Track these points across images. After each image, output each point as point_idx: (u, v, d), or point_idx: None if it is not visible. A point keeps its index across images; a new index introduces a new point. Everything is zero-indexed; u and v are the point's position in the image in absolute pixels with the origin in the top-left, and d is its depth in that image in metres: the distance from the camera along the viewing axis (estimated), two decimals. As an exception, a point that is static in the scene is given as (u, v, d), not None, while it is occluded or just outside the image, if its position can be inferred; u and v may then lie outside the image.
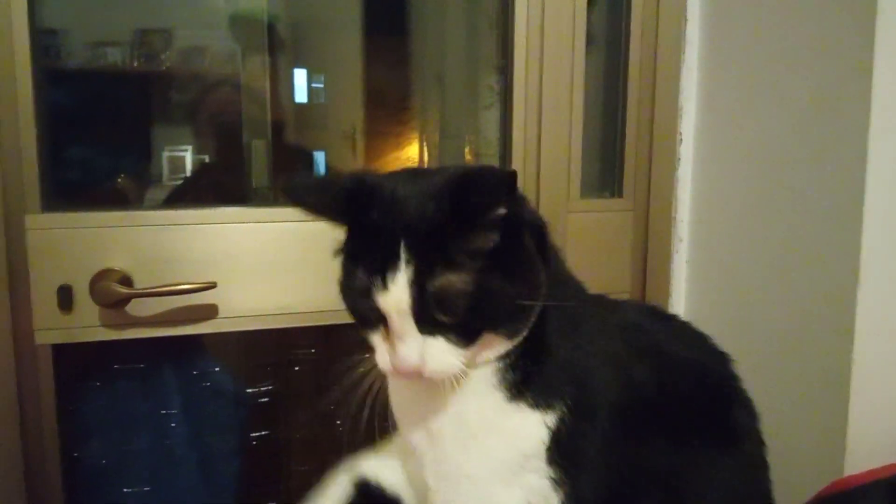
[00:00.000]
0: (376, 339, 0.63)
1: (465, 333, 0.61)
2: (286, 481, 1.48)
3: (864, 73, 0.93)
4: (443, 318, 0.59)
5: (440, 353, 0.60)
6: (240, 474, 1.39)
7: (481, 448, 0.66)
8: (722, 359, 0.79)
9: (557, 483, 0.65)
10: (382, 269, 0.59)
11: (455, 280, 0.58)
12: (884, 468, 0.90)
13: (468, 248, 0.59)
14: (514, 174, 0.59)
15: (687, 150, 1.30)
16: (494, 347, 0.64)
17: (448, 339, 0.60)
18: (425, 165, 2.05)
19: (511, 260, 0.61)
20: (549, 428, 0.64)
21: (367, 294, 0.60)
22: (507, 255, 0.60)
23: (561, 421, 0.64)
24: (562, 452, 0.64)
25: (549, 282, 0.65)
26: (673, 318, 0.83)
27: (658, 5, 1.28)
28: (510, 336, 0.63)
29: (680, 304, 1.34)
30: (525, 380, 0.65)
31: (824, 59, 1.01)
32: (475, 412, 0.65)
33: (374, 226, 0.61)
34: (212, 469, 1.31)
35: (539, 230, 0.67)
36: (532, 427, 0.64)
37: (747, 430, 0.76)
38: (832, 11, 0.99)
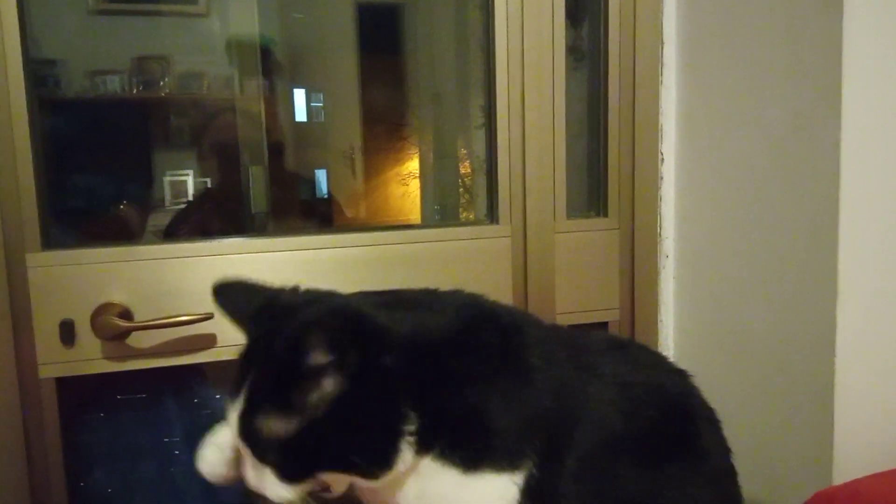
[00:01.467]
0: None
1: (288, 473, 0.62)
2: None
3: (834, 94, 0.96)
4: (262, 455, 0.61)
5: (270, 484, 0.62)
6: (243, 500, 1.41)
7: None
8: (680, 377, 0.81)
9: None
10: (232, 394, 0.63)
11: (276, 425, 0.60)
12: (867, 478, 0.92)
13: (299, 394, 0.60)
14: (337, 333, 0.60)
15: (669, 169, 1.33)
16: (367, 479, 0.63)
17: (276, 474, 0.62)
18: (422, 183, 2.07)
19: (353, 411, 0.61)
20: (517, 485, 0.65)
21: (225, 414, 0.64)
22: (351, 405, 0.61)
23: (530, 475, 0.65)
24: (534, 497, 0.65)
25: (482, 368, 0.67)
26: (630, 345, 0.85)
27: (635, 27, 1.30)
28: (366, 476, 0.62)
29: (669, 320, 1.36)
30: (475, 453, 0.64)
31: (797, 81, 1.03)
32: (435, 492, 0.66)
33: (245, 349, 0.66)
34: (215, 496, 1.33)
35: (438, 356, 0.66)
36: (500, 490, 0.65)
37: (711, 441, 0.78)
38: (803, 36, 1.02)
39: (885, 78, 0.96)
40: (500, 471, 0.64)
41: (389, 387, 0.62)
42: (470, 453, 0.64)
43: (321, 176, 2.10)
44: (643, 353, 0.83)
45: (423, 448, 0.63)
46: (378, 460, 0.61)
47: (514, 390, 0.67)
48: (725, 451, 0.80)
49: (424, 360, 0.65)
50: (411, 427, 0.62)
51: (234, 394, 0.63)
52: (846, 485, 0.91)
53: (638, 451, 0.70)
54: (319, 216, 2.05)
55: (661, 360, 0.82)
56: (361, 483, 0.64)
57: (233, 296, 0.73)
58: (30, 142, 1.07)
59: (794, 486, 1.06)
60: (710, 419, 0.79)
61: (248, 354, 0.65)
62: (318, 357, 0.60)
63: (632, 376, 0.76)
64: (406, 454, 0.62)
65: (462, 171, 1.90)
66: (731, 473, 0.81)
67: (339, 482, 0.65)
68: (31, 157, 1.07)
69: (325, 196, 2.08)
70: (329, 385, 0.60)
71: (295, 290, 0.71)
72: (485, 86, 1.33)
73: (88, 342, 1.10)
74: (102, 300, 1.10)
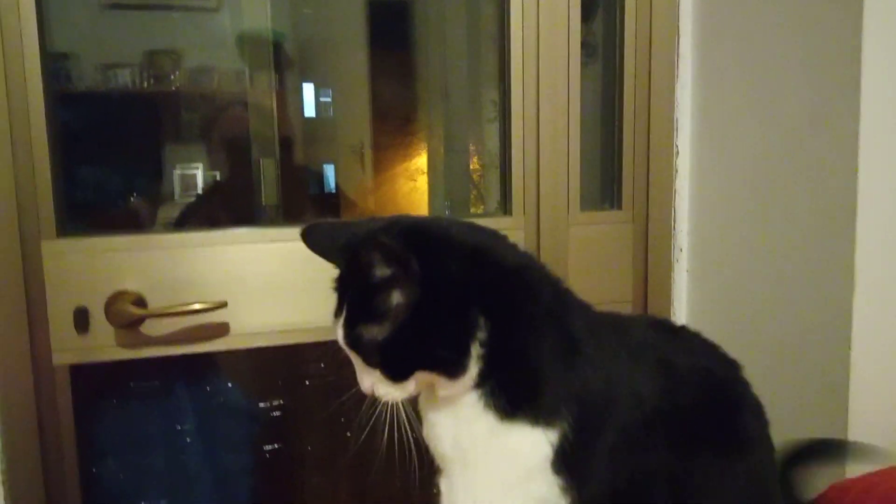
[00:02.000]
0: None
1: (392, 373, 0.69)
2: (299, 494, 1.51)
3: (853, 86, 0.95)
4: (368, 359, 0.69)
5: (380, 384, 0.70)
6: (254, 487, 1.42)
7: (482, 468, 0.69)
8: (731, 366, 0.81)
9: (565, 490, 0.67)
10: (336, 312, 0.71)
11: (371, 330, 0.67)
12: (881, 471, 0.92)
13: (380, 303, 0.66)
14: (388, 248, 0.65)
15: (684, 163, 1.33)
16: (450, 379, 0.68)
17: (381, 374, 0.69)
18: (431, 179, 2.07)
19: (429, 314, 0.66)
20: (551, 443, 0.66)
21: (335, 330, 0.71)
22: (426, 309, 0.66)
23: (564, 436, 0.66)
24: (568, 463, 0.66)
25: (538, 313, 0.70)
26: (682, 330, 0.84)
27: (651, 21, 1.31)
28: (448, 376, 0.68)
29: (682, 313, 1.36)
30: (515, 401, 0.67)
31: (814, 74, 1.03)
32: (468, 435, 0.70)
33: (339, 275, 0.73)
34: (226, 483, 1.34)
35: (504, 278, 0.71)
36: (534, 442, 0.67)
37: (756, 436, 0.77)
38: (821, 28, 1.01)
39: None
40: (535, 423, 0.67)
41: (458, 291, 0.67)
42: (511, 398, 0.67)
43: (330, 171, 2.10)
44: (696, 340, 0.82)
45: (482, 374, 0.67)
46: (455, 360, 0.67)
47: (562, 348, 0.70)
48: (769, 448, 0.79)
49: (490, 274, 0.70)
50: (482, 334, 0.67)
51: (336, 312, 0.71)
52: (861, 478, 0.91)
53: (676, 432, 0.70)
54: (328, 211, 2.06)
55: (713, 348, 0.81)
56: (444, 386, 0.69)
57: (319, 236, 0.78)
58: (46, 132, 1.08)
59: (811, 478, 1.06)
60: (756, 413, 0.78)
61: (341, 279, 0.73)
62: (381, 271, 0.65)
63: (678, 357, 0.76)
64: (475, 363, 0.67)
65: (471, 166, 1.90)
66: (772, 471, 0.80)
67: (436, 384, 0.70)
68: (47, 146, 1.08)
69: (334, 191, 2.09)
70: (400, 294, 0.66)
71: (372, 219, 0.75)
72: (499, 78, 1.33)
73: (102, 330, 1.10)
74: (116, 288, 1.11)
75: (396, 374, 0.69)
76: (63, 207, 1.12)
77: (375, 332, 0.67)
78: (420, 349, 0.67)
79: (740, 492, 0.73)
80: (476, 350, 0.67)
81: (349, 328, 0.69)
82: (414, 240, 0.68)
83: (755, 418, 0.78)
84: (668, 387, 0.72)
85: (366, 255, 0.66)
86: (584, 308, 0.77)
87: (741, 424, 0.76)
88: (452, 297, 0.67)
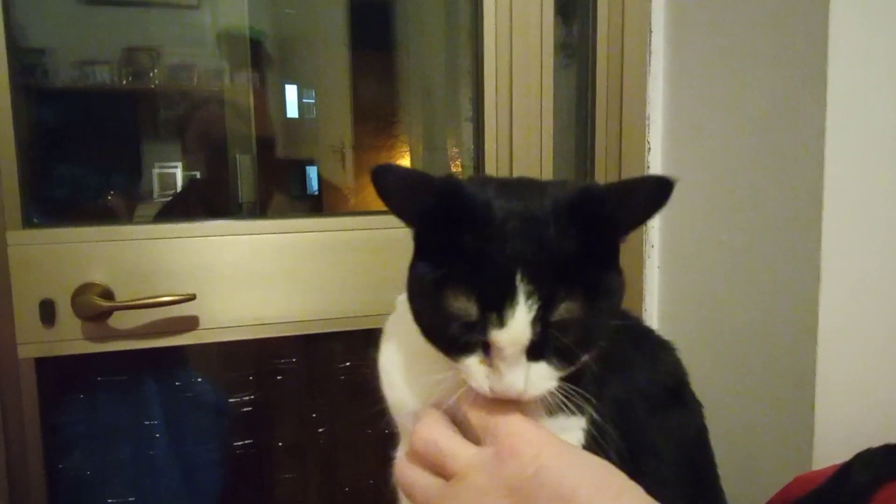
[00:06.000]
0: (471, 362, 0.57)
1: (569, 358, 0.57)
2: (270, 489, 1.50)
3: (819, 80, 0.96)
4: (557, 345, 0.56)
5: (540, 379, 0.57)
6: (224, 483, 1.40)
7: None
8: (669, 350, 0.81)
9: None
10: (498, 305, 0.53)
11: (572, 308, 0.54)
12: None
13: (589, 273, 0.55)
14: (669, 185, 0.55)
15: (655, 159, 1.33)
16: None
17: (551, 364, 0.57)
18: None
19: (609, 276, 0.58)
20: (583, 430, 0.63)
21: (473, 328, 0.54)
22: (606, 271, 0.57)
23: (591, 421, 0.63)
24: (595, 436, 0.64)
25: None
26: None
27: (623, 17, 1.31)
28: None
29: (653, 309, 1.36)
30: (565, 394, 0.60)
31: (782, 68, 1.04)
32: None
33: (475, 247, 0.54)
34: (196, 478, 1.33)
35: None
36: (571, 433, 0.63)
37: (691, 393, 0.78)
38: (788, 23, 1.02)
39: (871, 63, 0.96)
40: (571, 415, 0.61)
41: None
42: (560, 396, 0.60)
43: (310, 171, 2.09)
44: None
45: None
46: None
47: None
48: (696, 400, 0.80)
49: None
50: None
51: (497, 306, 0.54)
52: (826, 469, 0.91)
53: (650, 405, 0.70)
54: (307, 209, 2.05)
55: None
56: None
57: (397, 187, 0.60)
58: (11, 122, 1.07)
59: (775, 470, 1.06)
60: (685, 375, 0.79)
61: (494, 251, 0.54)
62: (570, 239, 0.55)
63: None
64: None
65: (453, 168, 1.90)
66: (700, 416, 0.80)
67: None
68: (12, 136, 1.07)
69: (314, 190, 2.08)
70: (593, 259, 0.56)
71: (452, 181, 0.58)
72: (473, 78, 1.33)
73: (69, 322, 1.09)
74: (83, 280, 1.10)
75: (574, 360, 0.57)
76: (32, 199, 1.11)
77: (577, 310, 0.55)
78: (603, 323, 0.57)
79: (692, 443, 0.75)
80: None
81: (547, 315, 0.54)
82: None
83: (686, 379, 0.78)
84: (645, 365, 0.73)
85: (560, 222, 0.54)
86: None
87: (689, 392, 0.76)
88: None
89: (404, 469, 0.59)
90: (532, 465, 0.51)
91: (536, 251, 0.53)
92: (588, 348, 0.57)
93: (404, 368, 0.65)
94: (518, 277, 0.52)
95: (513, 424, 0.53)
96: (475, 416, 0.56)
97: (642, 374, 0.73)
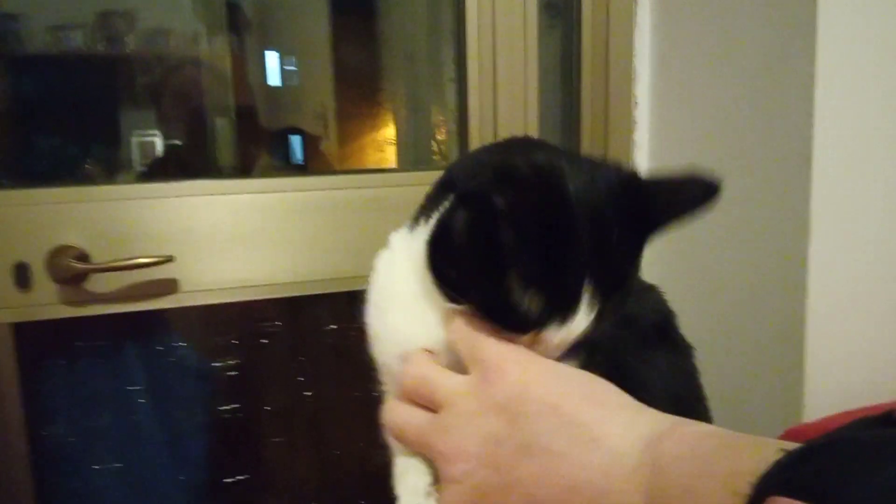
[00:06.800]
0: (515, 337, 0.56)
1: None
2: (257, 454, 1.49)
3: (809, 31, 0.94)
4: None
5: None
6: (211, 448, 1.39)
7: None
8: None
9: None
10: (562, 310, 0.52)
11: (616, 301, 0.55)
12: (838, 415, 0.92)
13: (632, 270, 0.56)
14: (716, 188, 0.54)
15: (643, 114, 1.31)
16: None
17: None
18: (398, 143, 2.05)
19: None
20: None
21: (529, 319, 0.53)
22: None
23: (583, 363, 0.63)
24: None
25: None
26: None
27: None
28: None
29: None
30: None
31: (771, 19, 1.02)
32: None
33: (549, 244, 0.51)
34: (182, 444, 1.31)
35: None
36: None
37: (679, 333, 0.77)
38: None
39: (862, 14, 0.95)
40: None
41: None
42: None
43: (295, 142, 2.06)
44: None
45: None
46: None
47: None
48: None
49: None
50: None
51: (560, 312, 0.53)
52: (817, 422, 0.91)
53: (638, 338, 0.69)
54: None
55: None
56: None
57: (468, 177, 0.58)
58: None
59: (766, 423, 1.06)
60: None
61: (566, 251, 0.52)
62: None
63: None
64: None
65: (438, 136, 1.88)
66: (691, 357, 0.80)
67: None
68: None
69: (300, 162, 2.05)
70: None
71: (538, 165, 0.53)
72: (455, 36, 1.30)
73: (45, 286, 1.07)
74: (58, 242, 1.07)
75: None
76: (4, 169, 1.08)
77: (617, 301, 0.55)
78: None
79: (683, 385, 0.75)
80: None
81: (600, 319, 0.54)
82: None
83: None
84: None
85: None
86: None
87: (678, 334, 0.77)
88: None
89: (392, 411, 0.58)
90: (518, 382, 0.51)
91: (603, 258, 0.52)
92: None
93: (409, 306, 0.61)
94: (585, 285, 0.52)
95: (497, 347, 0.53)
96: (461, 343, 0.55)
97: (629, 311, 0.72)
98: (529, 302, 0.52)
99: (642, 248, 0.56)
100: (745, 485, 0.37)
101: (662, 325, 0.75)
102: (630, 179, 0.55)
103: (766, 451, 0.38)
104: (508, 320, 0.54)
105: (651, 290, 0.77)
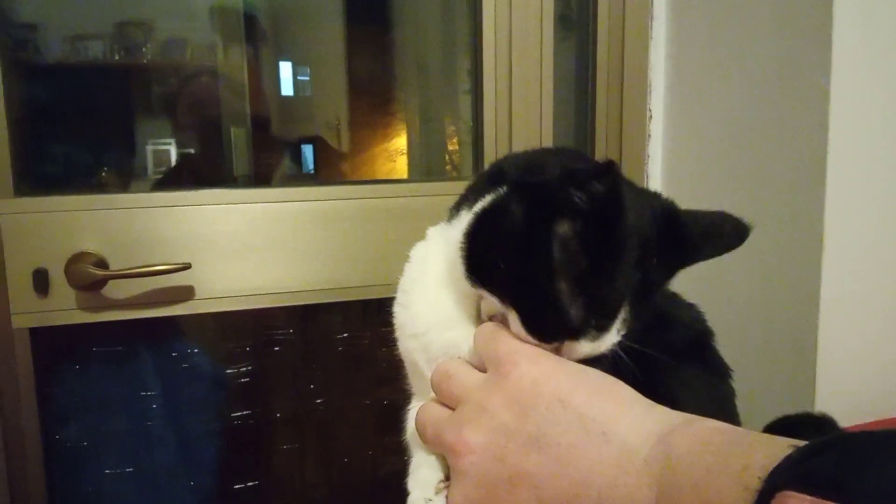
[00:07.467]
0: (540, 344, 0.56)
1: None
2: (268, 461, 1.49)
3: (824, 42, 0.95)
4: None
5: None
6: (221, 454, 1.40)
7: None
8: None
9: None
10: (599, 325, 0.53)
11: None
12: (849, 430, 0.91)
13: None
14: (746, 230, 0.59)
15: (657, 127, 1.32)
16: None
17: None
18: (411, 153, 2.06)
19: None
20: None
21: (566, 329, 0.53)
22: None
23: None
24: None
25: None
26: None
27: (624, -18, 1.29)
28: None
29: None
30: None
31: (786, 31, 1.02)
32: None
33: (601, 261, 0.51)
34: (193, 449, 1.32)
35: None
36: None
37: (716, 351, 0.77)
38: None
39: (876, 25, 0.95)
40: None
41: None
42: None
43: (308, 151, 2.07)
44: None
45: None
46: None
47: None
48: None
49: None
50: None
51: (597, 328, 0.54)
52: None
53: (674, 362, 0.69)
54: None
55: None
56: None
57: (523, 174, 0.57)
58: (2, 95, 1.06)
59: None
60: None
61: (615, 269, 0.53)
62: None
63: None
64: None
65: (450, 147, 1.88)
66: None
67: None
68: (3, 109, 1.06)
69: (311, 171, 2.07)
70: None
71: (608, 175, 0.51)
72: (471, 48, 1.31)
73: (63, 292, 1.08)
74: (77, 249, 1.08)
75: None
76: (26, 173, 1.09)
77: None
78: None
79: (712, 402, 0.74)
80: None
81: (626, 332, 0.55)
82: None
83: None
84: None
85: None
86: None
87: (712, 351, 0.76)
88: None
89: (422, 410, 0.59)
90: (529, 376, 0.52)
91: (642, 283, 0.53)
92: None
93: (436, 293, 0.62)
94: (623, 306, 0.53)
95: (513, 343, 0.54)
96: (481, 343, 0.56)
97: (665, 327, 0.72)
98: (577, 308, 0.52)
99: (671, 279, 0.58)
100: (756, 479, 0.37)
101: (699, 343, 0.74)
102: (671, 213, 0.57)
103: (777, 447, 0.38)
104: (545, 321, 0.53)
105: (690, 307, 0.76)
